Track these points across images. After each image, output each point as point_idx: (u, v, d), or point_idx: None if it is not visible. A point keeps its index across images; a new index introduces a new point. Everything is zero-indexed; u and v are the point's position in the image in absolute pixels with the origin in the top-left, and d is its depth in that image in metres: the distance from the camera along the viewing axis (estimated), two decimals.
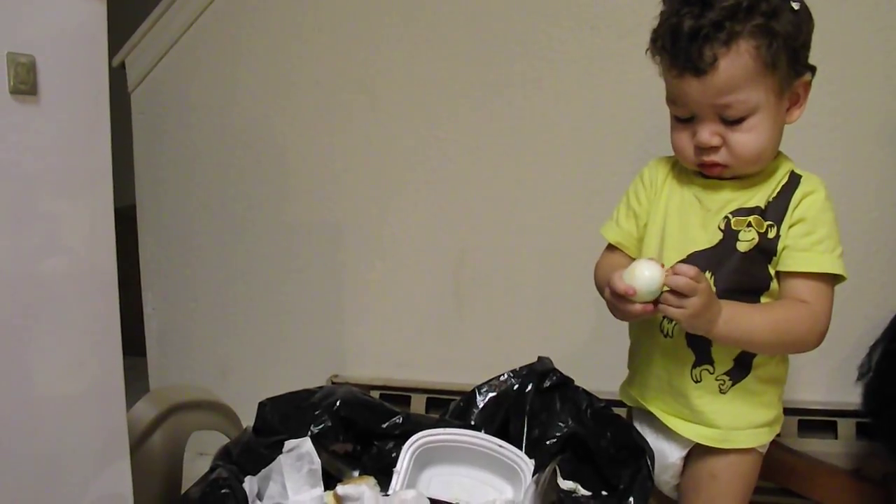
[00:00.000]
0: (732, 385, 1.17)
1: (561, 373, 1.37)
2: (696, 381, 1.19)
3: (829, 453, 1.77)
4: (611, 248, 1.32)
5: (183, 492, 1.25)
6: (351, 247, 2.16)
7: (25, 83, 0.92)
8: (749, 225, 1.14)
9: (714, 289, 1.13)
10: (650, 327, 1.24)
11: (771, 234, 1.13)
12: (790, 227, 1.12)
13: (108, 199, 1.06)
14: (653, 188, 1.26)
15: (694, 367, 1.19)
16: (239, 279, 2.26)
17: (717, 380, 1.18)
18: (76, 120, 1.01)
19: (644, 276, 1.07)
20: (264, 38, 2.17)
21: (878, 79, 1.77)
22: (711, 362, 1.18)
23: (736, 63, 1.06)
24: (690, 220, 1.19)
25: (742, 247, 1.14)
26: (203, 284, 2.29)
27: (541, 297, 2.00)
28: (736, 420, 1.18)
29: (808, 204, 1.12)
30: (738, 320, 1.09)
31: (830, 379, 1.80)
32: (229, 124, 2.22)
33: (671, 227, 1.22)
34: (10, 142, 0.93)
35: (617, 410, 1.31)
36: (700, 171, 1.18)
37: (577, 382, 1.36)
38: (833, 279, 1.12)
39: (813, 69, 1.13)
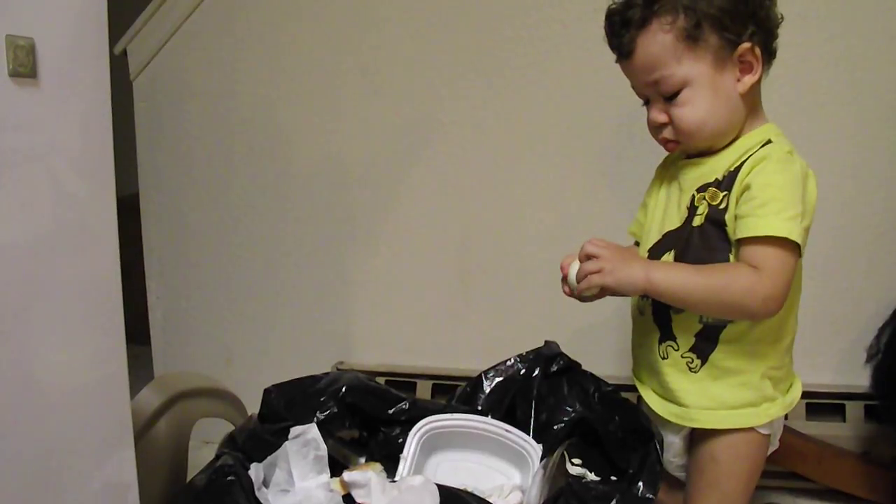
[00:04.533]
0: (702, 364, 1.17)
1: (568, 357, 1.37)
2: (664, 358, 1.21)
3: (837, 436, 1.76)
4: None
5: (188, 480, 1.25)
6: (355, 233, 2.15)
7: (25, 66, 0.90)
8: (704, 199, 1.15)
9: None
10: (632, 307, 1.29)
11: (722, 205, 1.12)
12: (738, 195, 1.11)
13: (111, 185, 1.05)
14: (657, 177, 1.32)
15: (660, 342, 1.22)
16: (243, 266, 2.25)
17: (683, 357, 1.18)
18: (77, 104, 1.00)
19: (573, 272, 1.20)
20: (265, 25, 2.15)
21: (889, 56, 1.75)
22: (674, 338, 1.19)
23: (651, 41, 1.11)
24: (672, 200, 1.23)
25: (696, 221, 1.16)
26: (207, 272, 2.29)
27: (546, 281, 1.96)
28: (704, 400, 1.18)
29: (757, 170, 1.10)
30: (671, 276, 1.11)
31: (839, 361, 1.79)
32: (232, 111, 2.21)
33: (658, 209, 1.26)
34: (8, 125, 0.92)
35: (625, 394, 1.30)
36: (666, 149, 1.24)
37: (584, 367, 1.36)
38: (786, 245, 1.07)
39: (752, 35, 1.11)
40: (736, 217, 1.10)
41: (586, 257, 1.15)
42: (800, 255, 1.09)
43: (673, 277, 1.10)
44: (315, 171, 2.16)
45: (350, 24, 2.07)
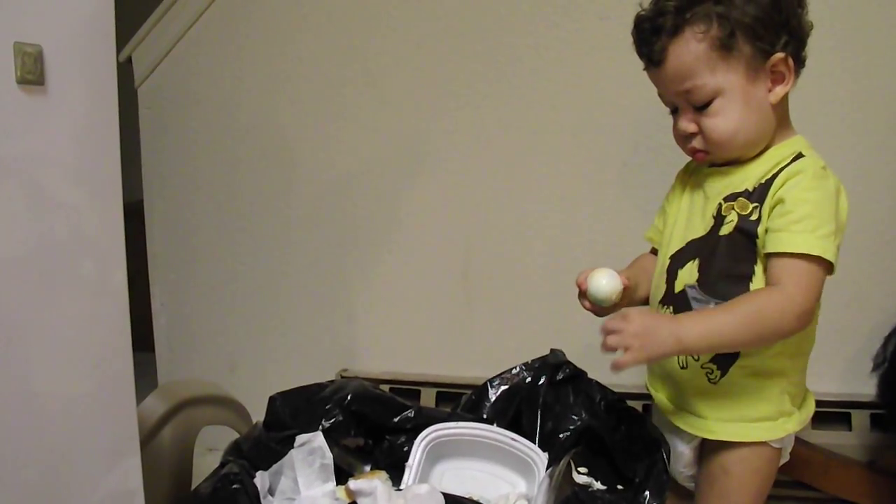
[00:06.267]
0: (722, 375, 1.15)
1: (574, 365, 1.36)
2: (683, 368, 1.19)
3: (843, 445, 1.76)
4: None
5: (193, 487, 1.25)
6: (359, 240, 2.15)
7: (33, 73, 0.91)
8: (733, 208, 1.14)
9: (698, 275, 1.16)
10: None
11: (753, 216, 1.11)
12: (771, 208, 1.09)
13: (118, 191, 1.05)
14: (678, 183, 1.29)
15: None
16: (247, 273, 2.25)
17: (703, 368, 1.17)
18: (84, 111, 1.00)
19: (593, 283, 1.17)
20: (270, 32, 2.16)
21: (895, 64, 1.75)
22: None
23: (684, 49, 1.09)
24: (695, 208, 1.21)
25: (724, 230, 1.14)
26: (211, 279, 2.29)
27: (551, 288, 1.98)
28: (722, 412, 1.16)
29: (791, 184, 1.08)
30: (701, 327, 1.06)
31: (845, 370, 1.79)
32: (236, 118, 2.21)
33: (681, 217, 1.24)
34: (17, 133, 0.92)
35: (631, 403, 1.30)
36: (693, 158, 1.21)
37: (590, 375, 1.35)
38: (818, 261, 1.05)
39: (786, 45, 1.09)
40: (767, 230, 1.09)
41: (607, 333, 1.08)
42: (832, 273, 1.07)
43: (704, 331, 1.07)
44: (319, 179, 2.16)
45: (354, 32, 2.08)
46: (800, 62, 1.13)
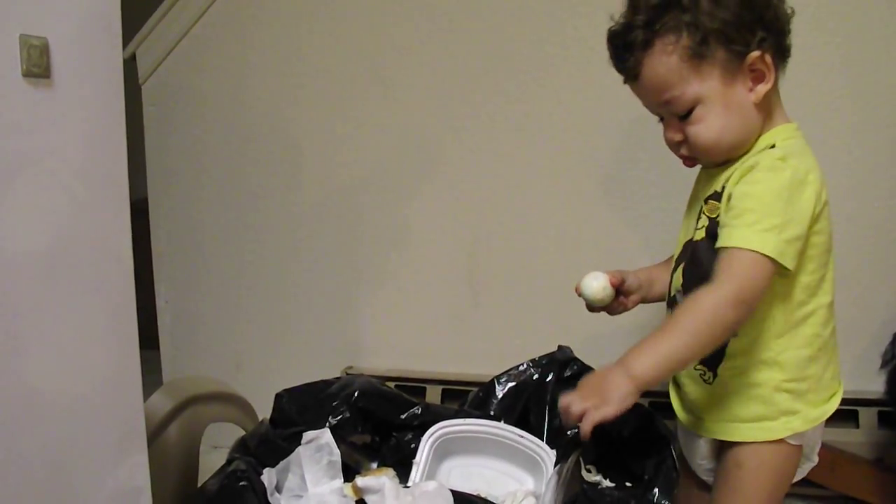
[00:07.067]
0: (714, 376, 1.15)
1: (582, 362, 1.36)
2: None
3: (850, 443, 1.75)
4: None
5: (199, 484, 1.25)
6: (365, 237, 2.14)
7: (38, 66, 0.90)
8: (703, 212, 1.13)
9: (682, 279, 1.16)
10: (667, 311, 1.26)
11: (718, 217, 1.09)
12: (725, 205, 1.08)
13: (124, 185, 1.05)
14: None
15: None
16: (252, 271, 2.25)
17: (696, 369, 1.16)
18: (90, 104, 1.00)
19: (581, 286, 1.23)
20: (275, 29, 2.15)
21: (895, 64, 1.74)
22: None
23: (657, 62, 1.07)
24: (691, 212, 1.21)
25: (697, 236, 1.14)
26: (216, 277, 2.28)
27: (558, 285, 1.96)
28: (717, 412, 1.16)
29: (744, 179, 1.07)
30: (649, 356, 1.04)
31: (852, 367, 1.78)
32: (241, 115, 2.21)
33: (685, 219, 1.24)
34: (22, 126, 0.91)
35: (639, 400, 1.29)
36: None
37: None
38: (754, 254, 1.01)
39: (762, 42, 1.06)
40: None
41: (566, 410, 1.05)
42: (785, 268, 1.03)
43: (653, 359, 1.04)
44: (325, 176, 2.16)
45: (361, 27, 2.07)
46: (782, 53, 1.11)
